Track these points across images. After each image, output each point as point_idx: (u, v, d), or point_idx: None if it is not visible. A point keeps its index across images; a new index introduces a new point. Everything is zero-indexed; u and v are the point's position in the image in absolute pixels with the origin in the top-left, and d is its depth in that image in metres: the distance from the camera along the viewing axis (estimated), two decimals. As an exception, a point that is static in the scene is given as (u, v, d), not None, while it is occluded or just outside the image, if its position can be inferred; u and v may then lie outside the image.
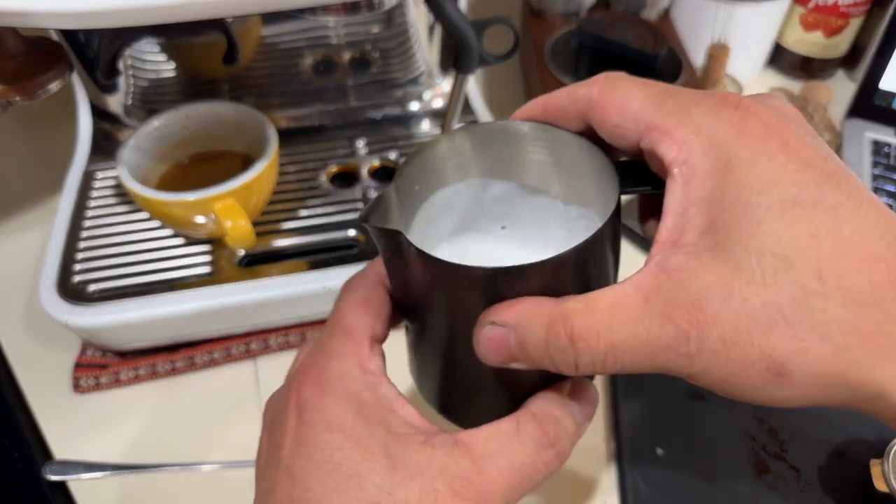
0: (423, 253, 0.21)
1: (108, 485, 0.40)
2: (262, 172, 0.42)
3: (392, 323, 0.26)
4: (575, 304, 0.20)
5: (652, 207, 0.24)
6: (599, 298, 0.20)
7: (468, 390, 0.26)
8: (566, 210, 0.27)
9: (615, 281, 0.24)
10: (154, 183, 0.46)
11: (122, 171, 0.42)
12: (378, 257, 0.25)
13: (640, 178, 0.22)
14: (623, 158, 0.23)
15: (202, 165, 0.48)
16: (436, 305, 0.23)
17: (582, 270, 0.21)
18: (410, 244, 0.21)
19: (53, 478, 0.39)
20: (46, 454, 0.42)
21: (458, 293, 0.22)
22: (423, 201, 0.26)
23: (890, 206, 0.55)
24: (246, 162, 0.46)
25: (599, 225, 0.21)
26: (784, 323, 0.18)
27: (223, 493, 0.40)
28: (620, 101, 0.21)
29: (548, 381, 0.24)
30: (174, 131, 0.47)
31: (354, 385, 0.23)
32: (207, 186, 0.41)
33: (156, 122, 0.46)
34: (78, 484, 0.40)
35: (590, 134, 0.23)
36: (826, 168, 0.19)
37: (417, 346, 0.26)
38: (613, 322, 0.19)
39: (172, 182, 0.47)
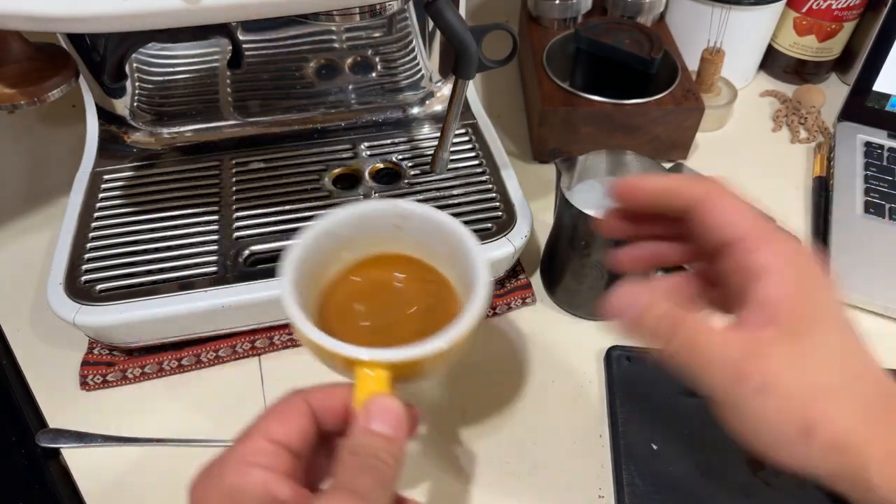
0: (567, 200, 0.43)
1: (104, 458, 0.42)
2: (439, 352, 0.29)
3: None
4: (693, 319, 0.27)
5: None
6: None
7: (573, 281, 0.49)
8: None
9: None
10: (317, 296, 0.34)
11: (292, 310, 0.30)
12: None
13: None
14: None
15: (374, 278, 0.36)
16: (569, 230, 0.46)
17: None
18: (563, 194, 0.44)
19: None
20: (54, 450, 0.43)
21: (580, 223, 0.44)
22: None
23: (881, 206, 0.56)
24: (429, 286, 0.35)
25: None
26: (821, 400, 0.24)
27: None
28: (730, 207, 0.27)
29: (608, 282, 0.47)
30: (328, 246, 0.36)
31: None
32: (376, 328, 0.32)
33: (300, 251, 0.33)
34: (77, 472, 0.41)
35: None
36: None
37: (555, 254, 0.49)
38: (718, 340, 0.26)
39: (340, 299, 0.35)
